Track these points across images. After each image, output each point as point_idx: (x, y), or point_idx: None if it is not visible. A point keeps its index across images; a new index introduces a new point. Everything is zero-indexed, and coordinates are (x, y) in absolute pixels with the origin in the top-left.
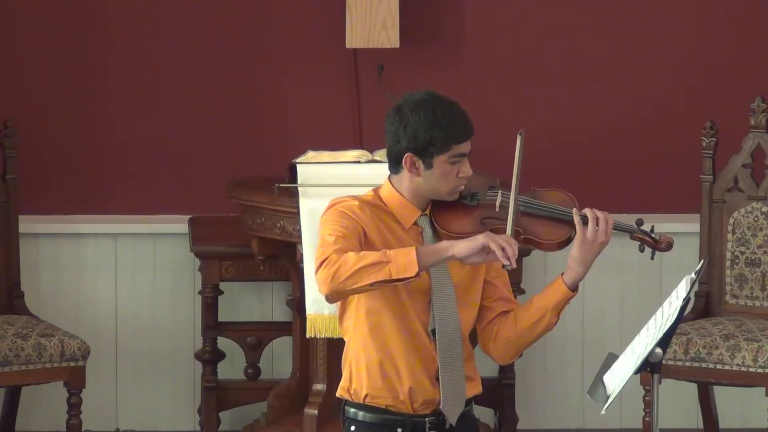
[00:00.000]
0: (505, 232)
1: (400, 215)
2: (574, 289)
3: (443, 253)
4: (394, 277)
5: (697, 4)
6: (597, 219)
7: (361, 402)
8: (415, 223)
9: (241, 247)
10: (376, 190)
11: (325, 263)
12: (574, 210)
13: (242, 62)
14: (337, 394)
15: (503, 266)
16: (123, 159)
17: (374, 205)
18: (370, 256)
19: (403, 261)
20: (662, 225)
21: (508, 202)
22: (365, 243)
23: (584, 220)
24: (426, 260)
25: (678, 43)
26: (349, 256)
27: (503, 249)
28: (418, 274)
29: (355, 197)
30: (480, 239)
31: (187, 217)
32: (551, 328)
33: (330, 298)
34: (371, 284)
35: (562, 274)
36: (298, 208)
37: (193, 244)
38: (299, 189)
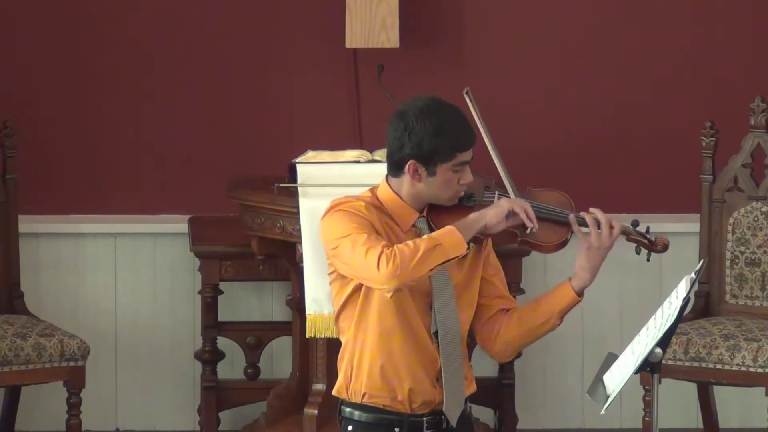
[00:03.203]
0: None
1: (398, 217)
2: (580, 294)
3: (477, 224)
4: (451, 256)
5: (697, 4)
6: (599, 224)
7: (359, 402)
8: (413, 225)
9: (241, 247)
10: (373, 190)
11: (382, 258)
12: (572, 217)
13: (242, 62)
14: (333, 393)
15: (527, 229)
16: (123, 159)
17: (373, 205)
18: (421, 244)
19: (452, 241)
20: (662, 225)
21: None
22: None
23: (581, 222)
24: (467, 235)
25: (678, 43)
26: (401, 248)
27: (526, 212)
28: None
29: (357, 198)
30: (505, 205)
31: (187, 217)
32: (554, 329)
33: (395, 291)
34: (431, 269)
35: (570, 278)
36: (298, 207)
37: (193, 244)
38: (299, 189)
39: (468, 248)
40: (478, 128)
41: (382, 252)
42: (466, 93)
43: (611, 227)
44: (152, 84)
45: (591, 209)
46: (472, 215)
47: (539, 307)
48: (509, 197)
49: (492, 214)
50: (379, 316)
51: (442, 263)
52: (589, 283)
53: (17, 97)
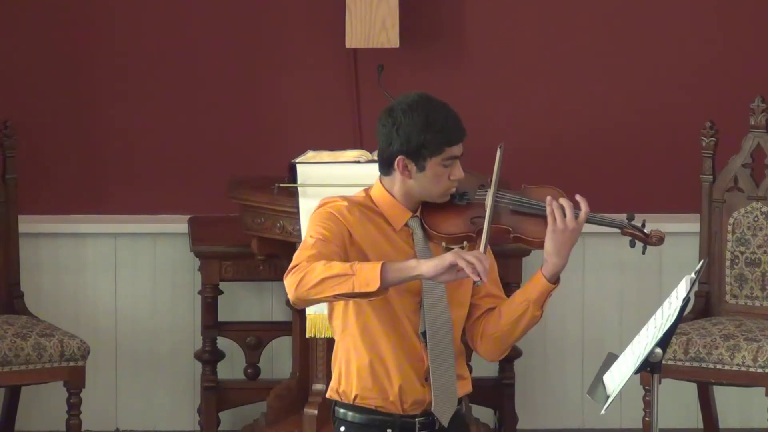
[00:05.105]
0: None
1: (390, 217)
2: (554, 281)
3: (410, 272)
4: (356, 290)
5: (697, 3)
6: (562, 208)
7: (351, 403)
8: (406, 225)
9: (241, 247)
10: (367, 190)
11: (294, 269)
12: (548, 199)
13: (242, 62)
14: (327, 395)
15: (474, 283)
16: (123, 159)
17: (364, 206)
18: (337, 267)
19: (367, 276)
20: (662, 225)
21: (498, 201)
22: (350, 245)
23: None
24: (391, 277)
25: (678, 43)
26: (316, 265)
27: (472, 265)
28: (381, 291)
29: (345, 198)
30: (448, 258)
31: (187, 217)
32: (536, 321)
33: (296, 304)
34: (334, 296)
35: (542, 266)
36: (297, 207)
37: (193, 244)
38: (299, 189)
39: (380, 291)
40: (491, 180)
41: (299, 263)
42: (500, 147)
43: (579, 213)
44: (152, 84)
45: (576, 197)
46: (412, 261)
47: (515, 299)
48: (499, 194)
49: (430, 266)
50: (364, 315)
51: (347, 295)
52: (560, 268)
53: (17, 97)
